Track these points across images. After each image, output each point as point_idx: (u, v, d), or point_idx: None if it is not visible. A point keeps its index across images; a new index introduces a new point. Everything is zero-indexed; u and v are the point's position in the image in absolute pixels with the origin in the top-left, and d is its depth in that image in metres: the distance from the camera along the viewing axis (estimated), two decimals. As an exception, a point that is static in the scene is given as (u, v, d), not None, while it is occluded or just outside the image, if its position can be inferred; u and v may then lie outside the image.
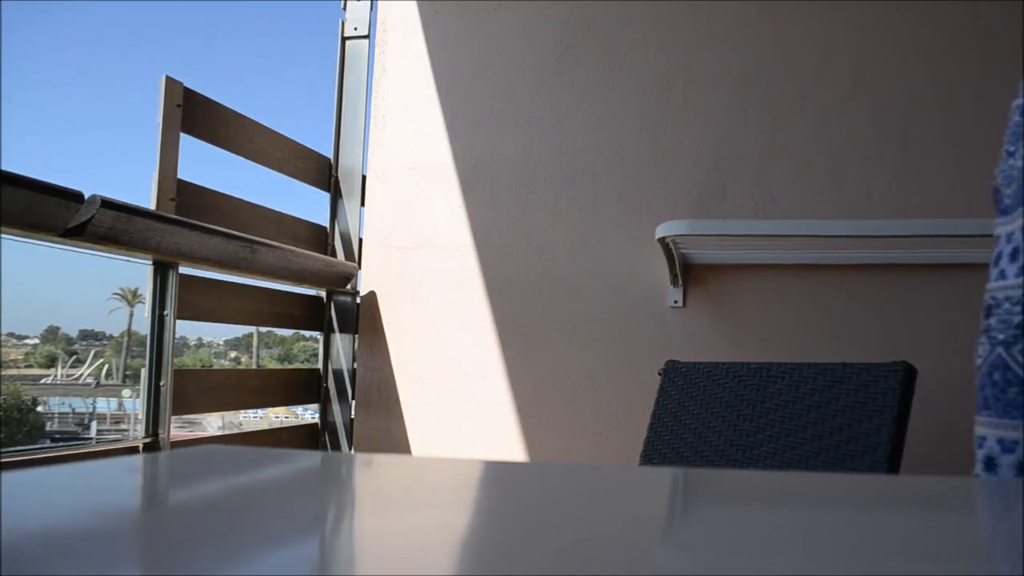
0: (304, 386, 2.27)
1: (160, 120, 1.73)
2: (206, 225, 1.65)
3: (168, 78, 1.75)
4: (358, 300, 2.28)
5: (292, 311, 2.22)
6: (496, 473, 0.41)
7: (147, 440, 1.65)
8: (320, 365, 2.29)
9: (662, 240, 1.87)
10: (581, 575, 0.21)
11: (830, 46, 2.03)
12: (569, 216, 2.12)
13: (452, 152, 2.22)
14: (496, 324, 2.15)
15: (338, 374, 2.28)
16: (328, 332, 2.30)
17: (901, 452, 1.28)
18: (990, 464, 0.60)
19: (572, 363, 2.08)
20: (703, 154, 2.05)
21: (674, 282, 2.00)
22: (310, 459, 0.50)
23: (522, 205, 2.15)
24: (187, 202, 1.79)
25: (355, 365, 2.27)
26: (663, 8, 2.10)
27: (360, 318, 2.26)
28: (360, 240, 2.33)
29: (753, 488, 0.38)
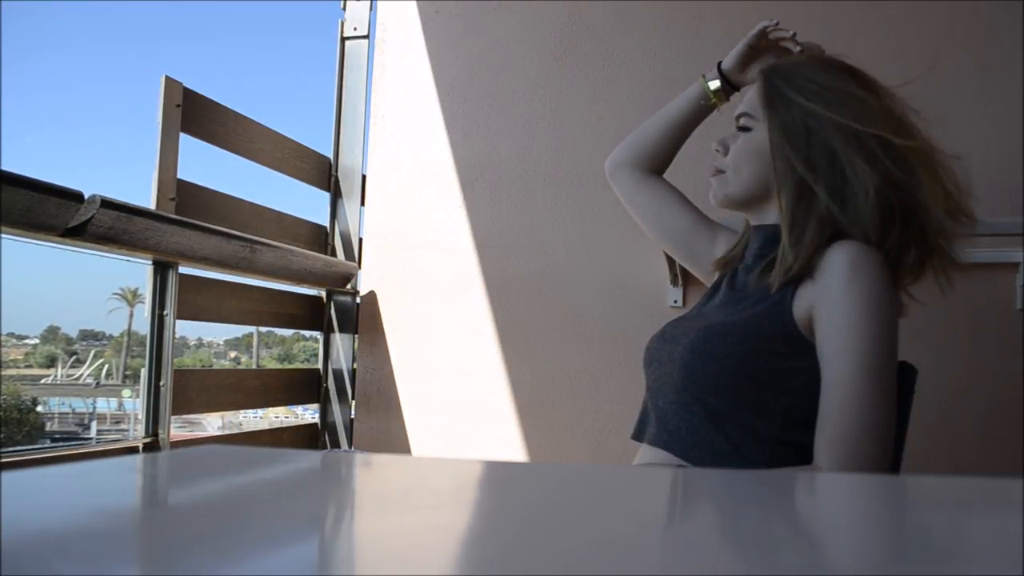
0: (304, 386, 2.27)
1: (160, 120, 1.73)
2: (206, 225, 1.65)
3: (168, 78, 1.75)
4: (358, 300, 2.28)
5: (292, 311, 2.22)
6: (496, 473, 0.41)
7: (147, 440, 1.65)
8: (320, 365, 2.30)
9: (662, 240, 1.87)
10: (581, 575, 0.21)
11: (830, 46, 2.02)
12: (569, 216, 2.12)
13: (452, 152, 2.22)
14: (496, 324, 2.15)
15: (338, 374, 2.28)
16: (328, 332, 2.30)
17: (901, 452, 1.27)
18: None
19: (572, 363, 2.08)
20: (702, 153, 2.05)
21: (674, 282, 2.01)
22: (310, 459, 0.50)
23: (522, 205, 2.15)
24: (187, 202, 1.79)
25: (355, 365, 2.27)
26: (663, 8, 2.10)
27: (360, 318, 2.26)
28: (360, 240, 2.33)
29: (753, 488, 0.38)
